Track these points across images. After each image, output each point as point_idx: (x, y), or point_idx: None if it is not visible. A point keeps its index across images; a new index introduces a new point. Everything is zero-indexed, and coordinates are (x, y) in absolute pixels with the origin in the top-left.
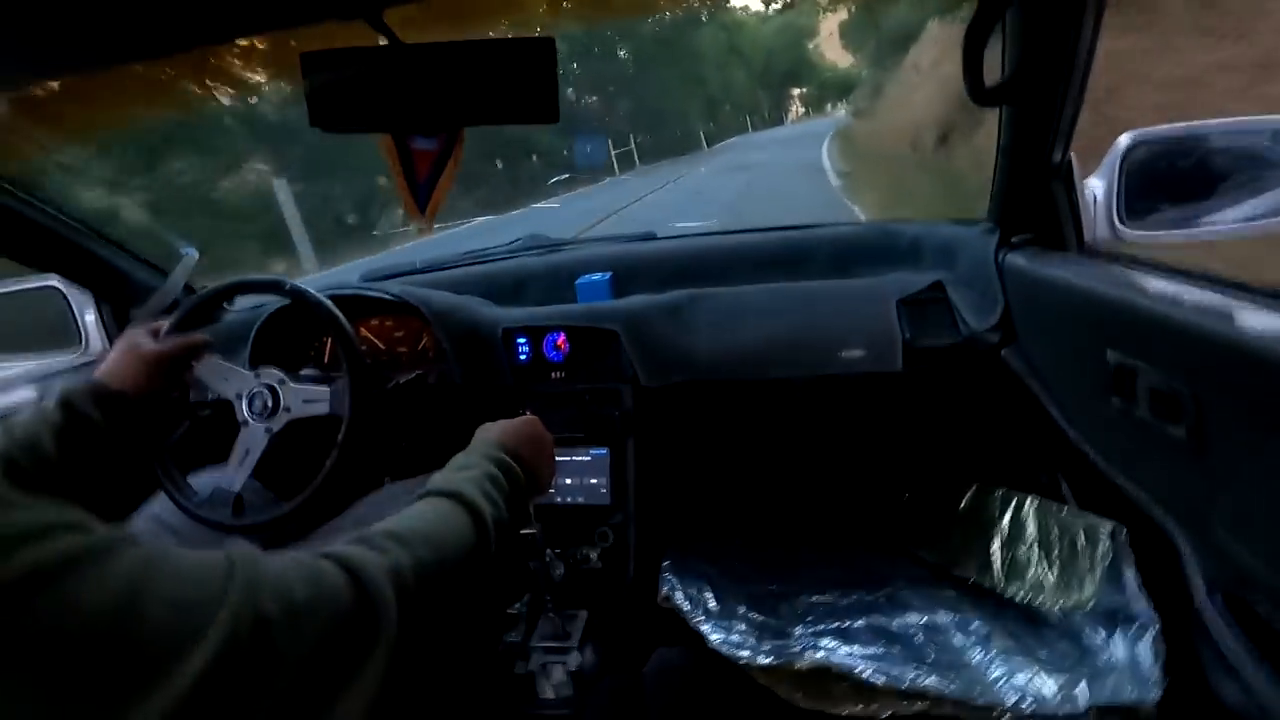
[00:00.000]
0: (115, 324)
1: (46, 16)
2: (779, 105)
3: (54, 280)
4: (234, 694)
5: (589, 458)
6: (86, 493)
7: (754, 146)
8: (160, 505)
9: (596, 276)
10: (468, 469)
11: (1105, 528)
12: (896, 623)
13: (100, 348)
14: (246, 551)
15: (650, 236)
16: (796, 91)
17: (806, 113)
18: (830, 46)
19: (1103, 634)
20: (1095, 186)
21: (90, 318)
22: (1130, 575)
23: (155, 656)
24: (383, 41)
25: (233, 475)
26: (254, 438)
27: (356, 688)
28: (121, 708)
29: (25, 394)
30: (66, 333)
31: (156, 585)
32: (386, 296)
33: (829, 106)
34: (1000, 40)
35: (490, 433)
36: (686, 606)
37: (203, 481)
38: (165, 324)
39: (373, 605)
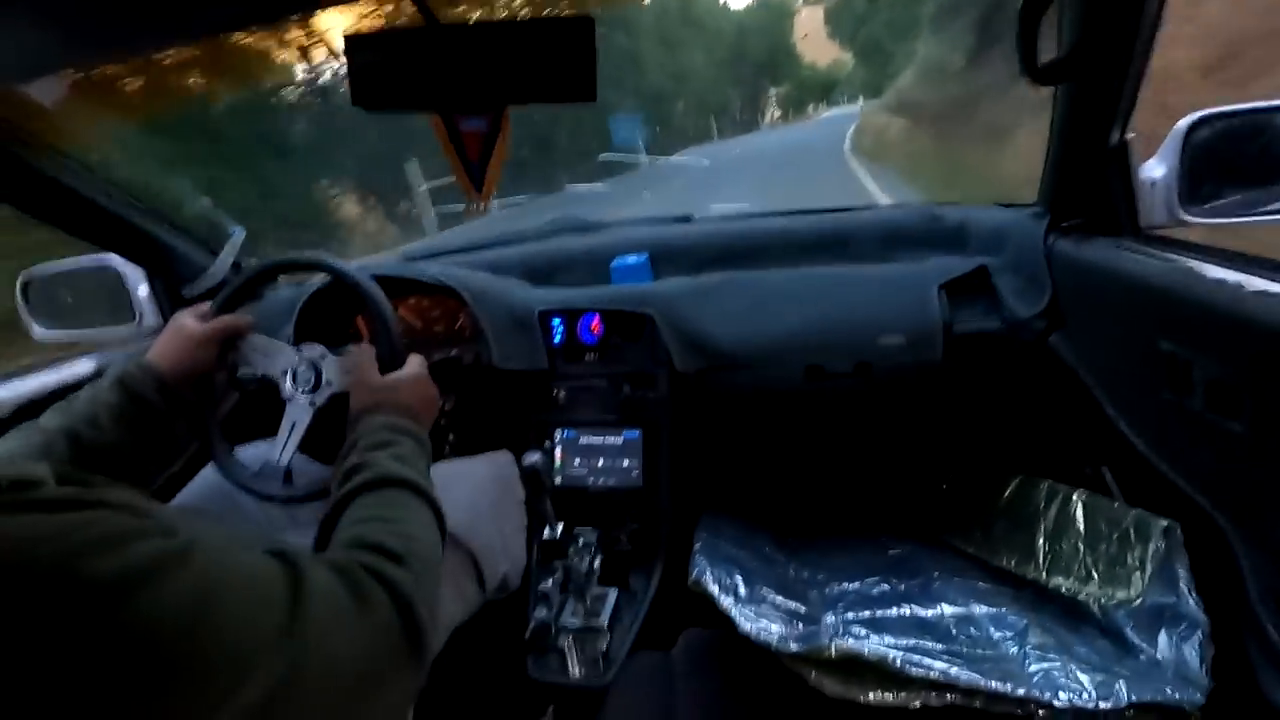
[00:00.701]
0: (168, 299)
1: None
2: (754, 106)
3: (110, 257)
4: (296, 700)
5: (621, 440)
6: (140, 467)
7: (723, 174)
8: (215, 472)
9: (633, 259)
10: (392, 445)
11: (1159, 524)
12: (930, 613)
13: (154, 322)
14: (301, 557)
15: (687, 219)
16: (774, 90)
17: (783, 117)
18: (806, 47)
19: (1146, 633)
20: (1153, 168)
21: (143, 293)
22: (1183, 574)
23: (230, 665)
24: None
25: (280, 450)
26: (299, 412)
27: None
28: (200, 714)
29: (85, 366)
30: (121, 307)
31: (229, 591)
32: (424, 277)
33: (811, 108)
34: (1056, 14)
35: (392, 394)
36: (716, 590)
37: (250, 454)
38: (209, 306)
39: (417, 628)
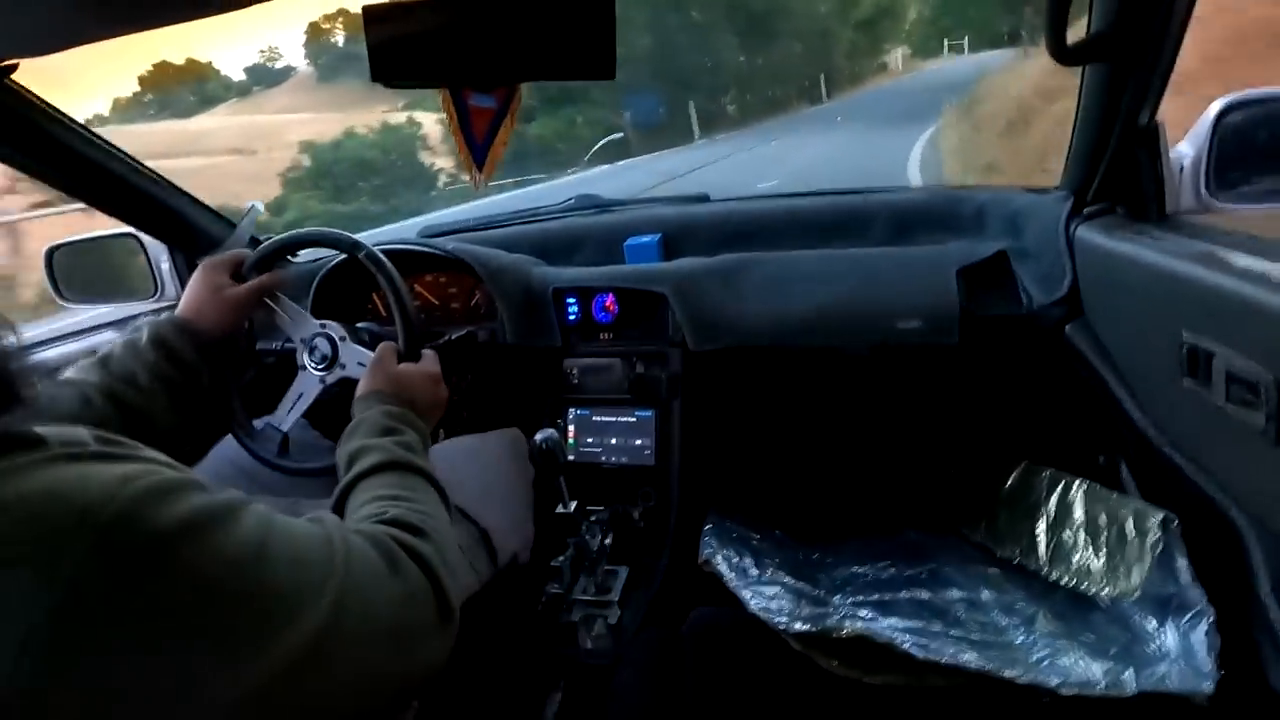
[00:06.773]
0: (188, 271)
1: None
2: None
3: (132, 230)
4: (337, 648)
5: (634, 419)
6: (171, 428)
7: None
8: (230, 447)
9: (645, 239)
10: (397, 433)
11: (1156, 516)
12: (939, 598)
13: (174, 294)
14: (336, 523)
15: (704, 199)
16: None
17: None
18: None
19: (1154, 622)
20: (1183, 153)
21: (165, 266)
22: (1183, 565)
23: (281, 608)
24: None
25: (284, 416)
26: (309, 384)
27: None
28: (252, 653)
29: (107, 337)
30: (143, 279)
31: (278, 543)
32: (441, 253)
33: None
34: None
35: (402, 387)
36: (726, 570)
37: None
38: (246, 262)
39: (444, 596)
